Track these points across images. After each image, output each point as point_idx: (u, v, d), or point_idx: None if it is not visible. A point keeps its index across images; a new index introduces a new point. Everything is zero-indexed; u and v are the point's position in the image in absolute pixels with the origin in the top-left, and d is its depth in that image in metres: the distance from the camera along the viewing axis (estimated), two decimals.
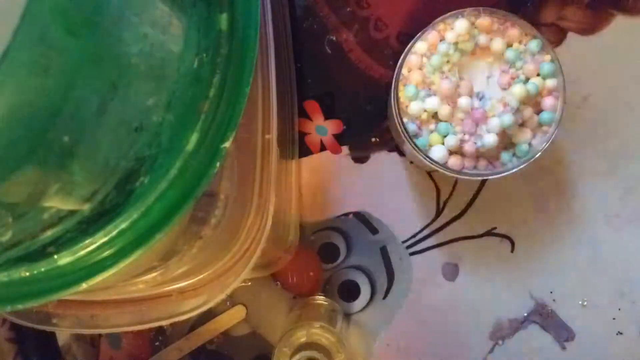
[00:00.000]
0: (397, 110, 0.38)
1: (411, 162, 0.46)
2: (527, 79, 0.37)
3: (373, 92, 0.46)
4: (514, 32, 0.37)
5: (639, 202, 0.44)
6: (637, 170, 0.44)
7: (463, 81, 0.37)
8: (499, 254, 0.46)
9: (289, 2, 0.46)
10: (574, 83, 0.44)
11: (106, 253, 0.24)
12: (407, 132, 0.38)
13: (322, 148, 0.47)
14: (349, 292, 0.47)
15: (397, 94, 0.38)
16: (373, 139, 0.46)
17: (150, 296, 0.34)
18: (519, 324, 0.46)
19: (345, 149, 0.47)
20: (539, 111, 0.37)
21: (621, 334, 0.45)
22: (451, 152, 0.38)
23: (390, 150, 0.46)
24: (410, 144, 0.37)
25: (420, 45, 0.38)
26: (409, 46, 0.38)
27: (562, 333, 0.45)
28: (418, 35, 0.38)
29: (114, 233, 0.23)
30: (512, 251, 0.45)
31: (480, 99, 0.38)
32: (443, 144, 0.38)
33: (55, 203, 0.22)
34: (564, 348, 0.45)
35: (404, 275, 0.47)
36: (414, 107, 0.38)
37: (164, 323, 0.36)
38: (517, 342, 0.46)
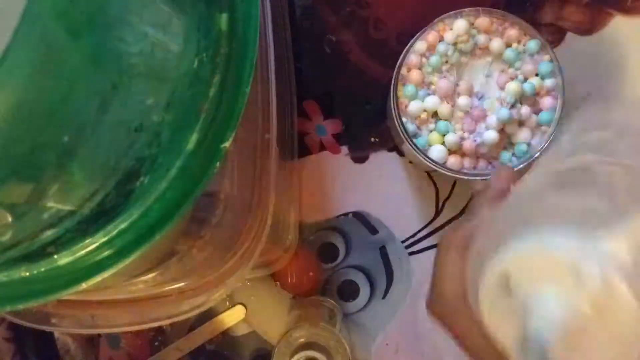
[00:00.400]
0: (396, 110, 0.38)
1: (410, 162, 0.46)
2: (525, 79, 0.37)
3: (372, 92, 0.46)
4: (513, 32, 0.37)
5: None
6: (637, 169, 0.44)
7: (462, 81, 0.37)
8: None
9: (289, 2, 0.46)
10: (572, 83, 0.44)
11: (106, 253, 0.24)
12: (406, 131, 0.38)
13: (322, 148, 0.47)
14: (349, 292, 0.47)
15: (396, 94, 0.38)
16: (372, 139, 0.46)
17: (150, 296, 0.34)
18: None
19: (344, 149, 0.47)
20: (538, 111, 0.37)
21: None
22: (450, 152, 0.38)
23: (390, 150, 0.46)
24: (410, 144, 0.37)
25: (419, 45, 0.38)
26: (408, 46, 0.38)
27: None
28: (417, 35, 0.38)
29: (114, 233, 0.23)
30: None
31: (480, 99, 0.38)
32: (442, 143, 0.38)
33: (55, 203, 0.22)
34: None
35: (403, 275, 0.47)
36: (413, 107, 0.38)
37: (163, 323, 0.36)
38: None
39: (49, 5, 0.18)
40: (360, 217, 0.47)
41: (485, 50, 0.38)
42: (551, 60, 0.37)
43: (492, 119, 0.36)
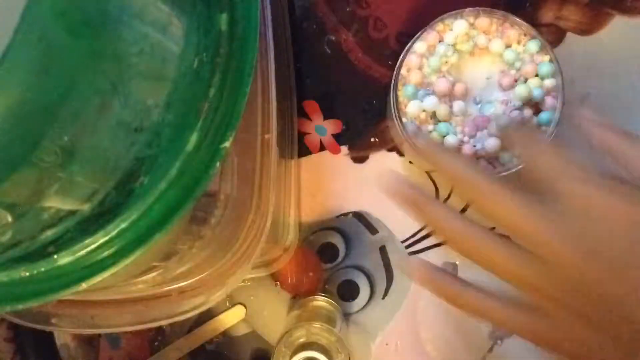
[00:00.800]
0: (396, 110, 0.38)
1: (410, 162, 0.46)
2: (525, 80, 0.37)
3: (372, 92, 0.46)
4: (512, 32, 0.37)
5: None
6: None
7: (458, 84, 0.37)
8: None
9: (289, 3, 0.46)
10: (572, 83, 0.44)
11: (106, 253, 0.24)
12: (406, 131, 0.38)
13: (322, 148, 0.47)
14: (348, 291, 0.47)
15: (396, 94, 0.38)
16: (372, 139, 0.46)
17: (150, 296, 0.34)
18: None
19: (344, 149, 0.47)
20: (537, 111, 0.37)
21: None
22: None
23: (390, 150, 0.46)
24: (409, 144, 0.37)
25: (419, 46, 0.38)
26: (408, 46, 0.38)
27: None
28: (417, 35, 0.38)
29: (114, 233, 0.23)
30: None
31: (478, 103, 0.38)
32: (442, 144, 0.38)
33: (55, 203, 0.22)
34: None
35: (403, 274, 0.47)
36: (411, 107, 0.38)
37: (163, 323, 0.36)
38: (516, 341, 0.46)
39: (48, 5, 0.18)
40: (360, 217, 0.47)
41: (485, 51, 0.38)
42: (551, 61, 0.37)
43: (493, 125, 0.36)
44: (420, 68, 0.38)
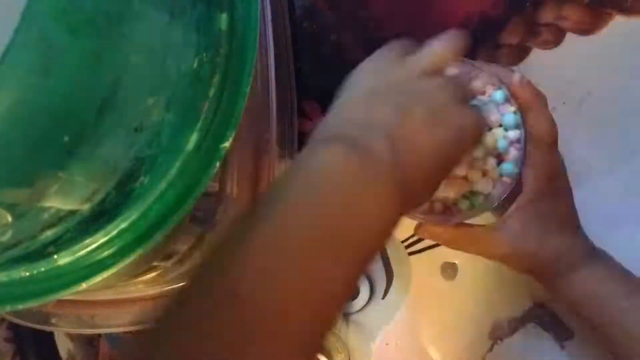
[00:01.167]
0: None
1: None
2: (490, 129, 0.36)
3: None
4: (477, 83, 0.37)
5: (639, 201, 0.44)
6: (637, 169, 0.44)
7: None
8: None
9: (289, 2, 0.46)
10: (572, 83, 0.44)
11: (106, 253, 0.24)
12: None
13: None
14: None
15: None
16: None
17: (150, 296, 0.34)
18: (518, 323, 0.46)
19: None
20: (500, 161, 0.37)
21: None
22: None
23: None
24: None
25: None
26: None
27: (561, 332, 0.45)
28: None
29: (114, 233, 0.23)
30: None
31: None
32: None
33: (55, 203, 0.22)
34: (562, 347, 0.45)
35: (403, 274, 0.47)
36: None
37: None
38: (516, 341, 0.46)
39: (48, 5, 0.18)
40: None
41: None
42: (516, 112, 0.36)
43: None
44: None
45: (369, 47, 0.46)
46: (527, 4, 0.45)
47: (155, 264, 0.31)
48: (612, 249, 0.45)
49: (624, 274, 0.36)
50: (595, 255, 0.36)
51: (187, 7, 0.25)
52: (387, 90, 0.30)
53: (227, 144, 0.24)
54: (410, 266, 0.47)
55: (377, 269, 0.47)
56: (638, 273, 0.36)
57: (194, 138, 0.24)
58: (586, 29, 0.45)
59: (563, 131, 0.36)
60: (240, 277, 0.21)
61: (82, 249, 0.23)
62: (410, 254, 0.47)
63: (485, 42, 0.45)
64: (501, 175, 0.36)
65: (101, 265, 0.24)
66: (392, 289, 0.47)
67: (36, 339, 0.47)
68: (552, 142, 0.36)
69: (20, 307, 0.24)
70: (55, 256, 0.23)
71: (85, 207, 0.23)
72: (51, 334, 0.48)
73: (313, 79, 0.47)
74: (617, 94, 0.45)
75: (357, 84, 0.32)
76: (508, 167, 0.36)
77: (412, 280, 0.47)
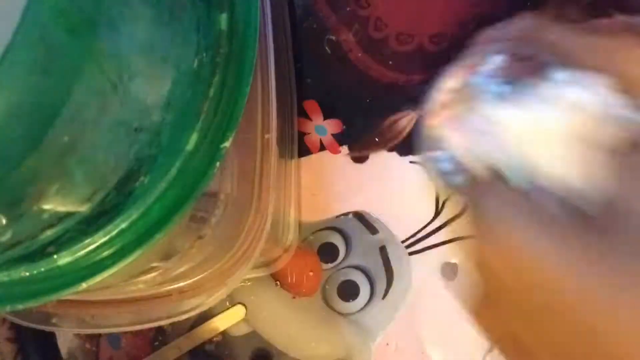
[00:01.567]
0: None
1: (411, 162, 0.46)
2: None
3: (372, 92, 0.46)
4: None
5: None
6: None
7: None
8: None
9: (289, 3, 0.46)
10: None
11: (106, 253, 0.24)
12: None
13: (322, 148, 0.47)
14: (348, 292, 0.47)
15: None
16: (372, 139, 0.46)
17: (150, 296, 0.34)
18: None
19: (344, 149, 0.47)
20: None
21: None
22: None
23: (390, 150, 0.46)
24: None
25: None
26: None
27: None
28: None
29: (114, 233, 0.23)
30: None
31: None
32: None
33: (55, 203, 0.22)
34: None
35: (403, 275, 0.47)
36: None
37: (163, 323, 0.36)
38: None
39: (48, 5, 0.18)
40: (360, 217, 0.47)
41: None
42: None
43: None
44: None
45: (369, 47, 0.46)
46: (527, 4, 0.45)
47: (155, 264, 0.31)
48: None
49: None
50: None
51: (187, 7, 0.25)
52: None
53: (227, 144, 0.25)
54: (410, 266, 0.47)
55: (377, 270, 0.47)
56: None
57: (194, 138, 0.24)
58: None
59: None
60: None
61: (82, 249, 0.23)
62: (411, 254, 0.47)
63: None
64: None
65: (101, 265, 0.24)
66: (392, 289, 0.47)
67: (38, 339, 0.47)
68: None
69: (20, 307, 0.24)
70: (55, 256, 0.23)
71: (85, 207, 0.23)
72: (53, 333, 0.48)
73: (313, 78, 0.47)
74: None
75: None
76: None
77: (412, 280, 0.47)
